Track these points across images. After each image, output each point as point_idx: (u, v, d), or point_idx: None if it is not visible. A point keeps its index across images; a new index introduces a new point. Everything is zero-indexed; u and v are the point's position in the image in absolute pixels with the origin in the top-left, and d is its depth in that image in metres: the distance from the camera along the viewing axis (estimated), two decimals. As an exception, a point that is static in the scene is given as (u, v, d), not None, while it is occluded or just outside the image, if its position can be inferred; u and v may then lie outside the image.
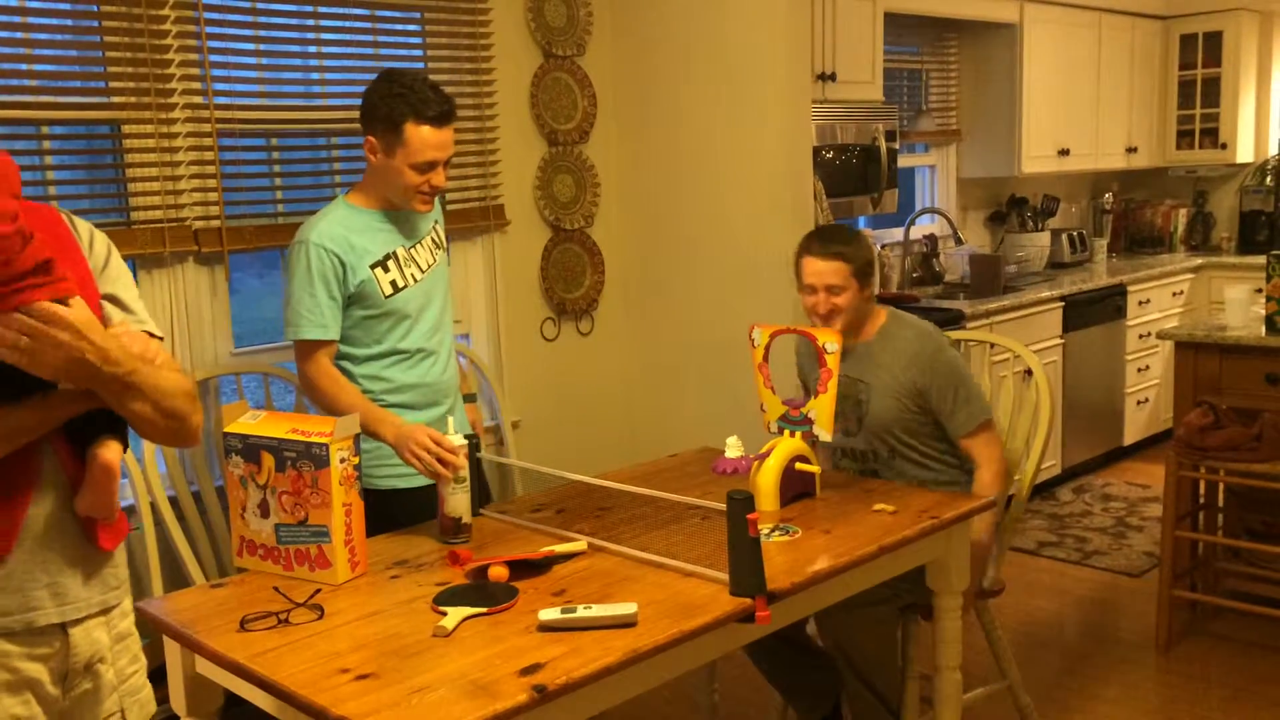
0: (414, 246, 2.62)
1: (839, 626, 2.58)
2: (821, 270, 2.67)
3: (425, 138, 2.47)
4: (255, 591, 2.02)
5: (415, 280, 2.60)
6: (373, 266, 2.53)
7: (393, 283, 2.56)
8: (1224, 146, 6.10)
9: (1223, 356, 3.63)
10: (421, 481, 2.62)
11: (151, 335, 1.55)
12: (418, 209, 2.57)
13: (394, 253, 2.57)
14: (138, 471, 2.78)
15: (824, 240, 2.72)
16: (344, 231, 2.51)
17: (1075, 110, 5.61)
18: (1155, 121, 6.22)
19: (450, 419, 2.41)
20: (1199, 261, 5.97)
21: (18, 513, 1.40)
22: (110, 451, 1.47)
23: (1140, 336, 5.53)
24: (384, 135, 2.48)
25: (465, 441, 2.30)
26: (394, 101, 2.45)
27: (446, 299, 2.74)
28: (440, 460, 2.28)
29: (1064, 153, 5.56)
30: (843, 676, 2.66)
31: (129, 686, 1.55)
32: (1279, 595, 3.54)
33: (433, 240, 2.69)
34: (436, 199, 2.65)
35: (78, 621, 1.47)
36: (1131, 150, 6.04)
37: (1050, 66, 5.40)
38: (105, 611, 1.53)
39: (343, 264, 2.49)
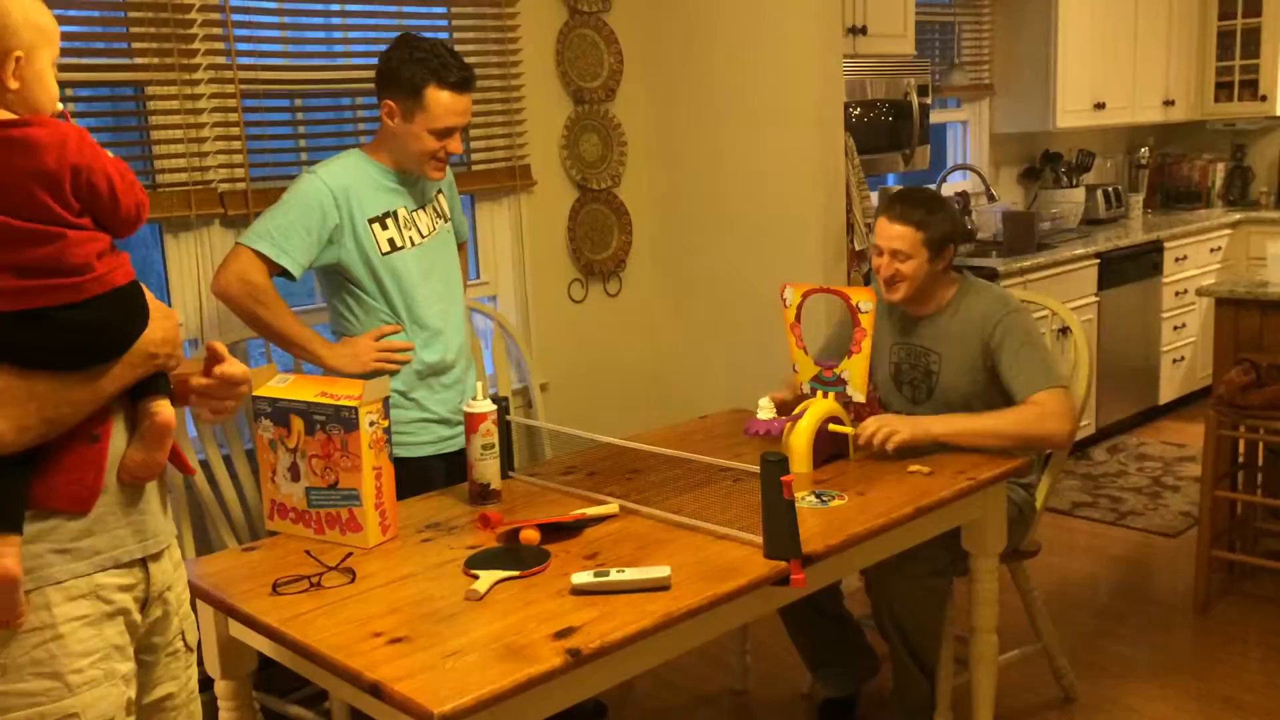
0: (416, 211, 2.63)
1: (895, 594, 2.55)
2: (891, 234, 2.59)
3: (446, 103, 2.49)
4: (287, 555, 2.02)
5: (413, 244, 2.60)
6: (371, 221, 2.53)
7: (390, 241, 2.56)
8: (1264, 99, 5.95)
9: (1264, 313, 3.55)
10: (430, 450, 2.63)
11: None
12: (430, 176, 2.59)
13: (395, 212, 2.58)
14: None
15: (903, 203, 2.61)
16: (351, 179, 2.53)
17: (1111, 62, 5.48)
18: (1193, 73, 6.07)
19: (479, 384, 2.39)
20: (1237, 217, 5.85)
21: (101, 460, 1.45)
22: (167, 409, 1.51)
23: (1177, 294, 5.44)
24: (403, 100, 2.49)
25: (494, 405, 2.29)
26: (415, 66, 2.47)
27: (453, 277, 2.72)
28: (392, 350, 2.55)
29: (1100, 106, 5.44)
30: (888, 641, 2.63)
31: (185, 610, 1.63)
32: (1319, 555, 3.50)
33: (434, 209, 2.68)
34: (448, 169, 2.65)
35: (156, 555, 1.54)
36: (1169, 103, 5.91)
37: (1086, 17, 5.27)
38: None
39: (338, 206, 2.49)
